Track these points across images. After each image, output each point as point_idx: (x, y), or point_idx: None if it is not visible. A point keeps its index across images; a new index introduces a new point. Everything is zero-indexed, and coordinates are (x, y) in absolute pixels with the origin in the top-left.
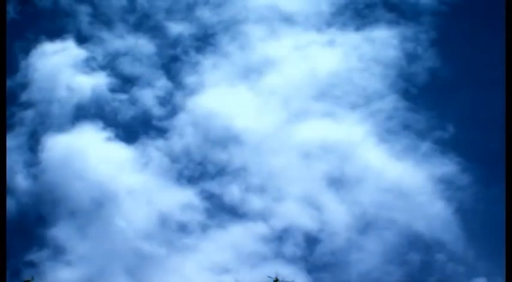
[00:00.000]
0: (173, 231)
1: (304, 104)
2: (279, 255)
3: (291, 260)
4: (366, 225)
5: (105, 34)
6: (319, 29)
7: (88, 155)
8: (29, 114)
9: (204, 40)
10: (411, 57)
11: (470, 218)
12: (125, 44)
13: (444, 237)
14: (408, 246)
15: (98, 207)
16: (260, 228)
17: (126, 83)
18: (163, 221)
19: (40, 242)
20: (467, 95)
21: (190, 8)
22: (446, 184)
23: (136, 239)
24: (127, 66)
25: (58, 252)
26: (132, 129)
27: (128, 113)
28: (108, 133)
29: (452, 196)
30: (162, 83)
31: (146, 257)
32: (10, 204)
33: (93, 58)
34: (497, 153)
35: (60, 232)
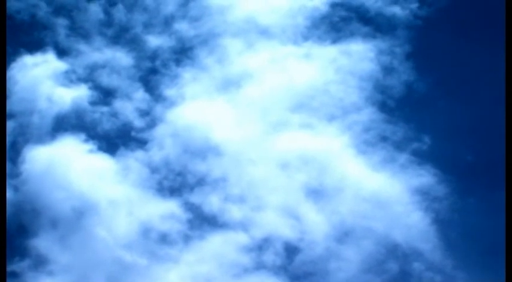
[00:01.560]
0: (154, 241)
1: (283, 115)
2: (259, 265)
3: (272, 269)
4: (344, 235)
5: (84, 47)
6: (295, 42)
7: (69, 166)
8: (9, 125)
9: (183, 53)
10: (387, 70)
11: (447, 228)
12: (104, 57)
13: (422, 246)
14: (386, 255)
15: (79, 218)
16: (241, 237)
17: (105, 95)
18: (144, 231)
19: (22, 252)
20: (442, 108)
21: (168, 22)
22: (423, 195)
23: (117, 248)
24: (107, 79)
25: (40, 262)
26: (112, 140)
27: (108, 124)
28: (88, 144)
29: (429, 207)
30: (142, 95)
31: (128, 267)
32: None
33: (73, 70)
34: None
35: (42, 242)
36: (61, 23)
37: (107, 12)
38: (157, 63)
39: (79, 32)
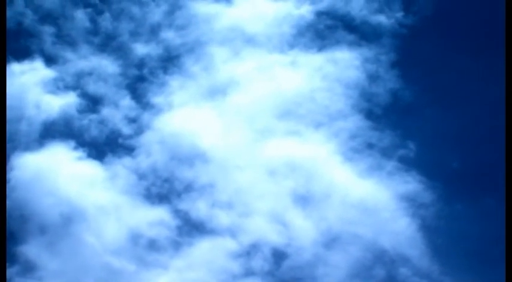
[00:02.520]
0: (142, 247)
1: (269, 122)
2: (248, 271)
3: (260, 275)
4: (332, 241)
5: (70, 55)
6: (281, 50)
7: (57, 173)
8: None
9: (170, 61)
10: (373, 78)
11: (433, 234)
12: (91, 65)
13: (408, 252)
14: (373, 261)
15: (67, 224)
16: (229, 243)
17: (93, 102)
18: (133, 237)
19: (10, 258)
20: (428, 115)
21: (154, 30)
22: (409, 201)
23: (106, 254)
24: (94, 86)
25: (29, 268)
26: (100, 147)
27: (95, 132)
28: (76, 151)
29: (416, 213)
30: (129, 103)
31: (116, 273)
32: None
33: (60, 78)
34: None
35: (31, 248)
36: (48, 31)
37: (93, 21)
38: (144, 71)
39: (66, 40)
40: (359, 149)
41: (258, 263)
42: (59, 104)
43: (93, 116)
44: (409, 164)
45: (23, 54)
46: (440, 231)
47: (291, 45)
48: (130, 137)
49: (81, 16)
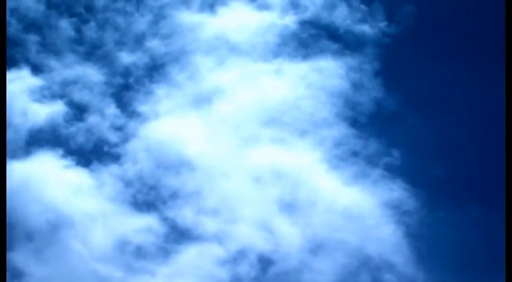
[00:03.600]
0: (129, 254)
1: (254, 130)
2: (235, 277)
3: (247, 281)
4: (317, 247)
5: (56, 63)
6: (266, 59)
7: (43, 180)
8: None
9: (155, 70)
10: (357, 87)
11: (418, 241)
12: (77, 73)
13: (393, 258)
14: (359, 267)
15: (54, 231)
16: (216, 250)
17: (79, 111)
18: (119, 244)
19: None
20: (411, 124)
21: (139, 40)
22: (394, 209)
23: (93, 261)
24: (80, 95)
25: (15, 275)
26: (87, 155)
27: (82, 139)
28: (62, 159)
29: (400, 220)
30: (115, 111)
31: (103, 279)
32: None
33: (46, 87)
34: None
35: (17, 255)
36: (32, 39)
37: (78, 30)
38: (130, 79)
39: (51, 48)
40: (344, 157)
41: (245, 269)
42: (46, 112)
43: (80, 124)
44: (393, 171)
45: (9, 63)
46: (425, 238)
47: (276, 54)
48: (116, 145)
49: (66, 25)
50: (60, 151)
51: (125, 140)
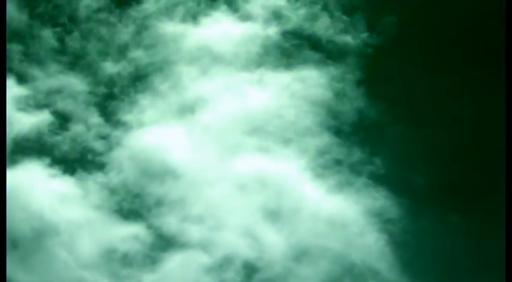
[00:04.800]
0: (115, 262)
1: (238, 139)
2: None
3: None
4: (302, 254)
5: (39, 73)
6: (249, 69)
7: (29, 189)
8: None
9: (139, 80)
10: (339, 96)
11: (401, 249)
12: (61, 83)
13: (377, 266)
14: (343, 274)
15: (39, 239)
16: (201, 257)
17: (64, 120)
18: (105, 252)
19: None
20: (393, 133)
21: (122, 50)
22: (377, 217)
23: (78, 269)
24: (65, 104)
25: None
26: (71, 164)
27: (67, 148)
28: (48, 168)
29: (384, 228)
30: (100, 121)
31: None
32: None
33: (32, 96)
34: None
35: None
36: (16, 49)
37: (61, 40)
38: (114, 89)
39: (34, 58)
40: (327, 165)
41: (230, 276)
42: (31, 121)
43: (64, 133)
44: (376, 180)
45: None
46: (408, 246)
47: (258, 64)
48: (101, 153)
49: (49, 35)
50: (46, 160)
51: (110, 148)
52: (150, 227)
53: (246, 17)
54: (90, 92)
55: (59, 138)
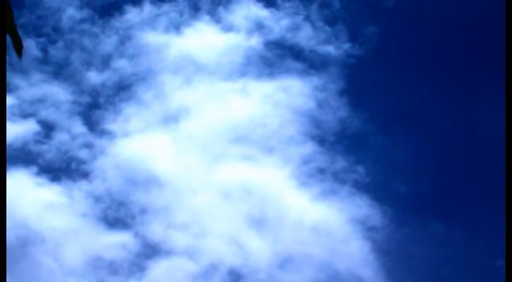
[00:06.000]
0: (100, 269)
1: (222, 147)
2: None
3: None
4: (286, 261)
5: (23, 82)
6: (232, 78)
7: (13, 196)
8: None
9: (122, 89)
10: (322, 105)
11: (384, 256)
12: (44, 92)
13: (361, 272)
14: (327, 281)
15: (24, 246)
16: (186, 264)
17: (48, 129)
18: (90, 259)
19: None
20: (376, 142)
21: (106, 60)
22: (361, 225)
23: (64, 276)
24: (49, 113)
25: None
26: (57, 172)
27: (52, 157)
28: (33, 176)
29: (367, 236)
30: (85, 129)
31: None
32: None
33: (17, 105)
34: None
35: None
36: None
37: (45, 50)
38: (98, 99)
39: (17, 67)
40: (311, 174)
41: None
42: (16, 130)
43: (49, 142)
44: (359, 188)
45: None
46: (391, 253)
47: (242, 74)
48: (85, 162)
49: (33, 45)
50: (31, 168)
51: (94, 157)
52: (135, 234)
53: (229, 28)
54: (74, 102)
55: (44, 147)
